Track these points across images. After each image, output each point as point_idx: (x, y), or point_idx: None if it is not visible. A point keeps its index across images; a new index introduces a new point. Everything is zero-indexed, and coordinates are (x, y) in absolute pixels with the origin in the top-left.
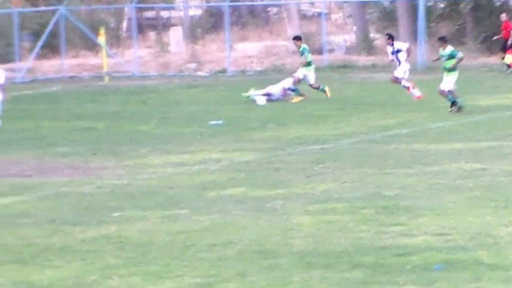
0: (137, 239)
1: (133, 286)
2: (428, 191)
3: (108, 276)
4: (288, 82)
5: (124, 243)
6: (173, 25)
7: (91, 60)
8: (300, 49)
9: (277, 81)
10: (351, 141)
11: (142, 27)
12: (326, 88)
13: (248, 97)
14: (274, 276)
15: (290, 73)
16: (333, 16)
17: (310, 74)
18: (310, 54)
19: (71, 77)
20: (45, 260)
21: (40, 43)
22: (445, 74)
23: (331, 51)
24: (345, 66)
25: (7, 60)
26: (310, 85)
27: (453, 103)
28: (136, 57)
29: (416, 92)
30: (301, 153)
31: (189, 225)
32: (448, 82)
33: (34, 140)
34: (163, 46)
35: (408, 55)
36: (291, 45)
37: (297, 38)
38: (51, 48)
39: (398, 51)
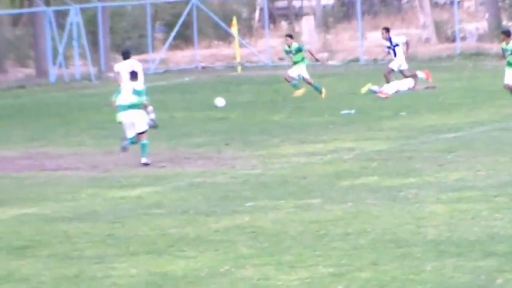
0: (270, 229)
1: (266, 275)
2: None
3: (241, 266)
4: (409, 82)
5: (257, 233)
6: (305, 14)
7: (223, 50)
8: (291, 48)
9: (410, 69)
10: (484, 129)
11: (274, 17)
12: (323, 90)
13: (367, 91)
14: (407, 265)
15: (422, 61)
16: (465, 4)
17: (302, 71)
18: (301, 52)
19: (204, 68)
20: (179, 250)
21: (172, 34)
22: (508, 69)
23: (463, 39)
24: (477, 54)
25: (141, 51)
26: (304, 79)
27: None
28: (268, 47)
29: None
30: (434, 142)
31: (322, 215)
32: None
33: (168, 130)
34: (295, 36)
35: (407, 48)
36: (423, 33)
37: (289, 36)
38: (183, 39)
39: (396, 45)
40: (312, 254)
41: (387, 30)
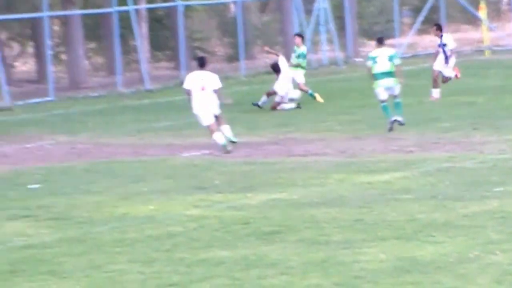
0: None
1: None
2: None
3: (491, 251)
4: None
5: (506, 218)
6: None
7: (471, 34)
8: (298, 51)
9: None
10: None
11: None
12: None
13: None
14: None
15: None
16: None
17: (294, 76)
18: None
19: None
20: (427, 235)
21: (420, 18)
22: None
23: None
24: None
25: (387, 36)
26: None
27: None
28: None
29: (436, 93)
30: None
31: None
32: None
33: (416, 115)
34: None
35: (449, 55)
36: None
37: (298, 35)
38: (431, 23)
39: (445, 45)
40: None
41: (438, 27)
